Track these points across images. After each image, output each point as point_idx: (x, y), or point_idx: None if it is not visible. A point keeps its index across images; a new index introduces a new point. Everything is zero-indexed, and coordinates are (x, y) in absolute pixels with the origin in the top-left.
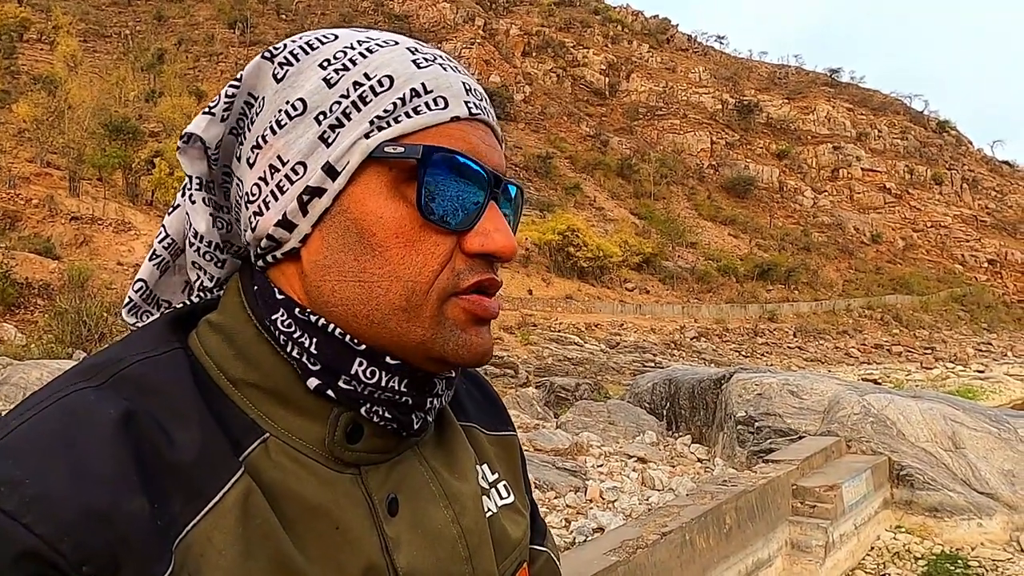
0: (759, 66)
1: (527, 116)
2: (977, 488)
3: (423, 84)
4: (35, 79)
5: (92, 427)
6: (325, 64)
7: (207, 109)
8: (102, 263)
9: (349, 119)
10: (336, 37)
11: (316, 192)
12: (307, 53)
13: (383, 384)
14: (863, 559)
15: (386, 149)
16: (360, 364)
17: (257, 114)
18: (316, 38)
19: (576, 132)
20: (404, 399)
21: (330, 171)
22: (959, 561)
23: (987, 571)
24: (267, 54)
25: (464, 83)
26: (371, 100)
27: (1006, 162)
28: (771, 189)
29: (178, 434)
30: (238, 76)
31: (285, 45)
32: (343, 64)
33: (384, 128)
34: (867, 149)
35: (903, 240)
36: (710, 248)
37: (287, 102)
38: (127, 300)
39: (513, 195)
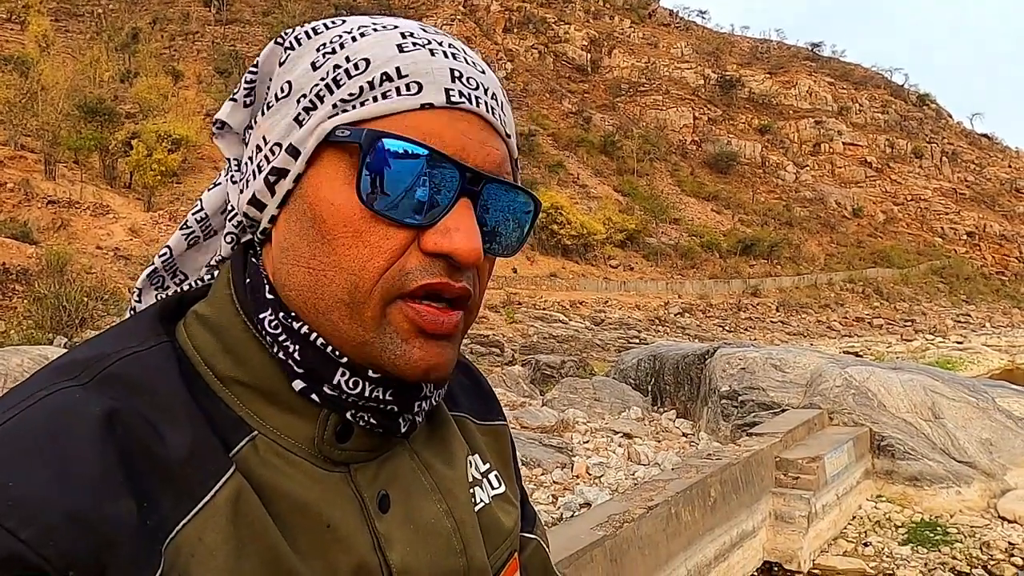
0: (741, 41)
1: (509, 93)
2: (956, 457)
3: (397, 68)
4: (6, 60)
5: (77, 427)
6: (320, 48)
7: (232, 95)
8: (81, 247)
9: (322, 102)
10: (344, 22)
11: (281, 173)
12: (310, 38)
13: (367, 394)
14: (845, 528)
15: (337, 133)
16: (343, 375)
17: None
18: (324, 23)
19: (558, 109)
20: (389, 407)
21: (293, 152)
22: (938, 528)
23: (965, 537)
24: (279, 39)
25: (455, 70)
26: (344, 83)
27: (985, 135)
28: (753, 164)
29: (167, 432)
30: (255, 62)
31: (295, 30)
32: (332, 48)
33: (346, 111)
34: (848, 123)
35: (884, 214)
36: (693, 224)
37: (279, 85)
38: (150, 266)
39: (504, 200)
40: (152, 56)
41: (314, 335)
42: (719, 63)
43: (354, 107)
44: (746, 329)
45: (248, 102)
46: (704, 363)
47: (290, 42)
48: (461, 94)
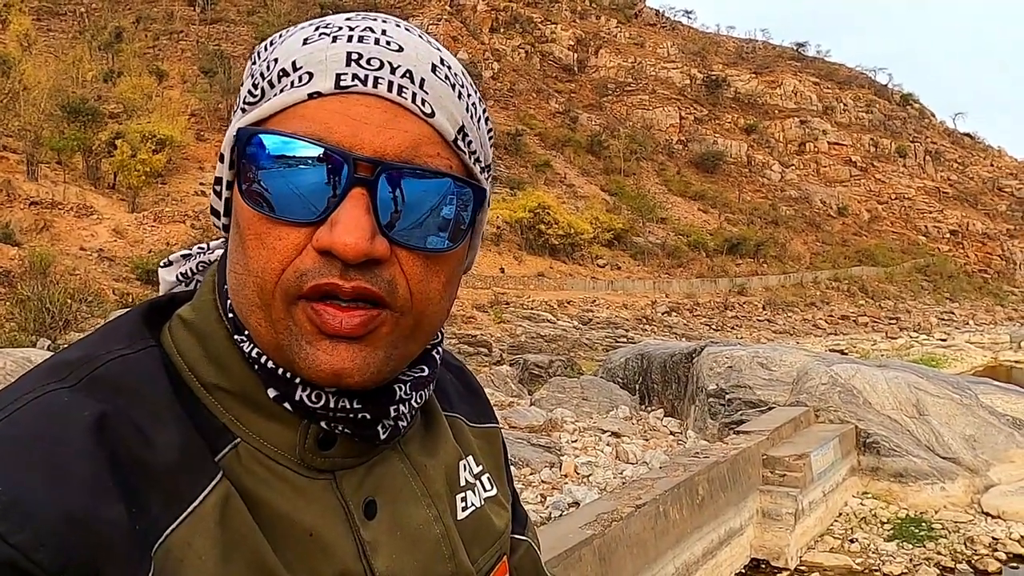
0: (726, 41)
1: (496, 93)
2: (940, 453)
3: (294, 62)
4: None
5: (67, 431)
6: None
7: None
8: (64, 248)
9: (244, 110)
10: (287, 29)
11: (219, 182)
12: (267, 50)
13: (332, 406)
14: (831, 525)
15: (239, 136)
16: (304, 390)
17: None
18: (279, 34)
19: (545, 109)
20: (361, 415)
21: (221, 159)
22: (923, 524)
23: (950, 533)
24: (252, 58)
25: (352, 53)
26: (260, 86)
27: (967, 134)
28: (739, 164)
29: (155, 436)
30: None
31: (259, 45)
32: (261, 55)
33: (251, 113)
34: (833, 123)
35: (868, 212)
36: (680, 223)
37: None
38: (187, 249)
39: (419, 187)
40: (136, 56)
41: (264, 357)
42: (705, 63)
43: (257, 107)
44: (733, 328)
45: None
46: (691, 362)
47: (253, 58)
48: (355, 77)
